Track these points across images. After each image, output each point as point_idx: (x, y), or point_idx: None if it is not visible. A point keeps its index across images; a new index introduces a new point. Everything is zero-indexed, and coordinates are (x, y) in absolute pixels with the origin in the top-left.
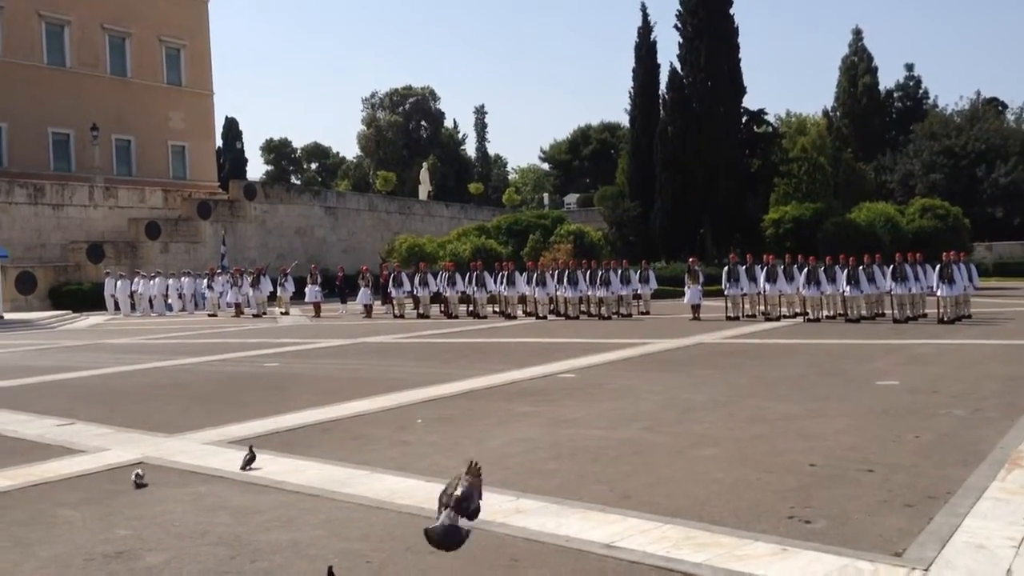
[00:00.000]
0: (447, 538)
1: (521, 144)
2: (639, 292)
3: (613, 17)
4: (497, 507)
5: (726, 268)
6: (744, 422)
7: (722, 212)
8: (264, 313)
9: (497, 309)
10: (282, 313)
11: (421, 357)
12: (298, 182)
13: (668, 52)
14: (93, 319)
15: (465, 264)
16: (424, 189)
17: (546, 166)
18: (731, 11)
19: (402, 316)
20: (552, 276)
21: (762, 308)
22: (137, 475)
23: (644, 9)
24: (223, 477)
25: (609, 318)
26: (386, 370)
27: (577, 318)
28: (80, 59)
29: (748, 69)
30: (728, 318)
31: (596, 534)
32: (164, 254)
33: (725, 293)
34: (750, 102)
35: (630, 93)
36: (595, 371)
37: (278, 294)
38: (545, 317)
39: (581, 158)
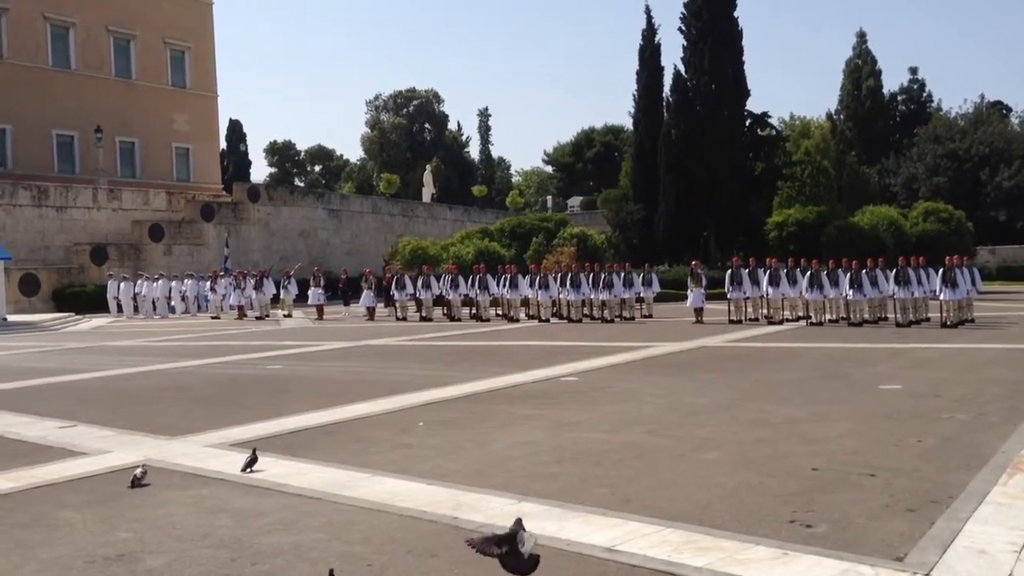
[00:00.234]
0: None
1: (525, 147)
2: (642, 295)
3: (617, 20)
4: (499, 510)
5: (729, 271)
6: (746, 426)
7: (725, 215)
8: (267, 315)
9: (500, 312)
10: (285, 315)
11: (424, 360)
12: (302, 184)
13: (672, 55)
14: (96, 321)
15: (468, 267)
16: (427, 192)
17: (549, 169)
18: (735, 14)
19: (405, 319)
20: (555, 279)
21: (765, 312)
22: (135, 477)
23: (648, 12)
24: (225, 480)
25: (612, 321)
26: (388, 373)
27: (580, 321)
28: (85, 61)
29: (752, 72)
30: (731, 321)
31: (597, 538)
32: (167, 256)
33: (728, 296)
34: (754, 105)
35: (634, 96)
36: (598, 374)
37: (281, 296)
38: (548, 320)
39: (584, 161)
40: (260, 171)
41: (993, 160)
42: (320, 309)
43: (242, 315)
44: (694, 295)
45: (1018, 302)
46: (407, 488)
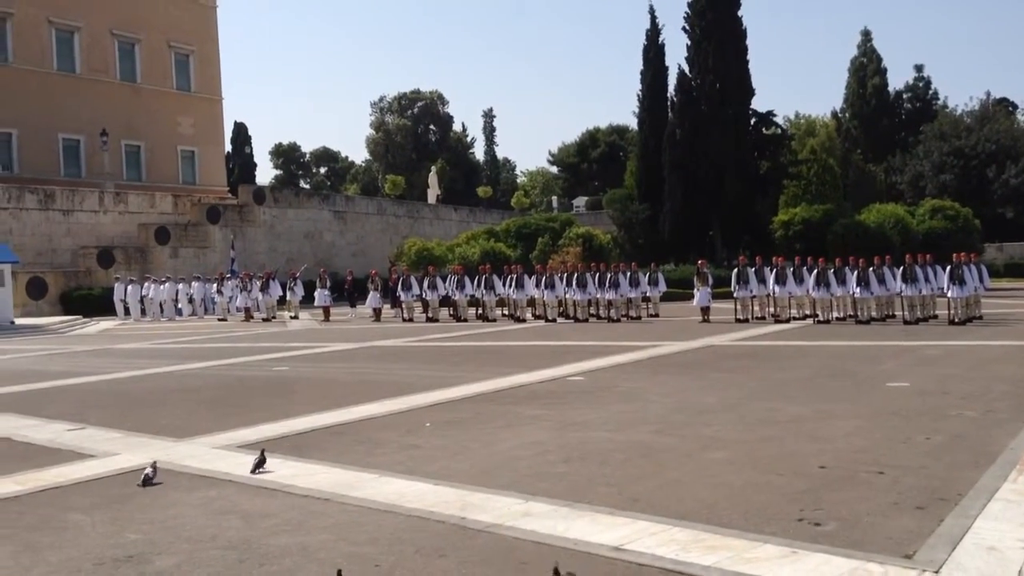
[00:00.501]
0: None
1: (530, 147)
2: (648, 295)
3: (621, 20)
4: (506, 510)
5: (735, 270)
6: (754, 424)
7: (731, 214)
8: (273, 317)
9: (506, 312)
10: (291, 317)
11: (430, 361)
12: (307, 186)
13: (676, 54)
14: (103, 324)
15: (474, 267)
16: (433, 193)
17: (555, 169)
18: (739, 13)
19: (411, 320)
20: (561, 279)
21: (772, 310)
22: (147, 475)
23: (652, 11)
24: (233, 481)
25: (618, 321)
26: (395, 374)
27: (586, 321)
28: (90, 65)
29: (756, 71)
30: (737, 320)
31: (605, 537)
32: (174, 259)
33: (734, 295)
34: (759, 104)
35: (638, 96)
36: (604, 374)
37: (287, 298)
38: (554, 320)
39: (590, 161)
40: (265, 173)
41: (1000, 157)
42: (326, 310)
43: (248, 317)
44: (700, 294)
45: None
46: (414, 489)
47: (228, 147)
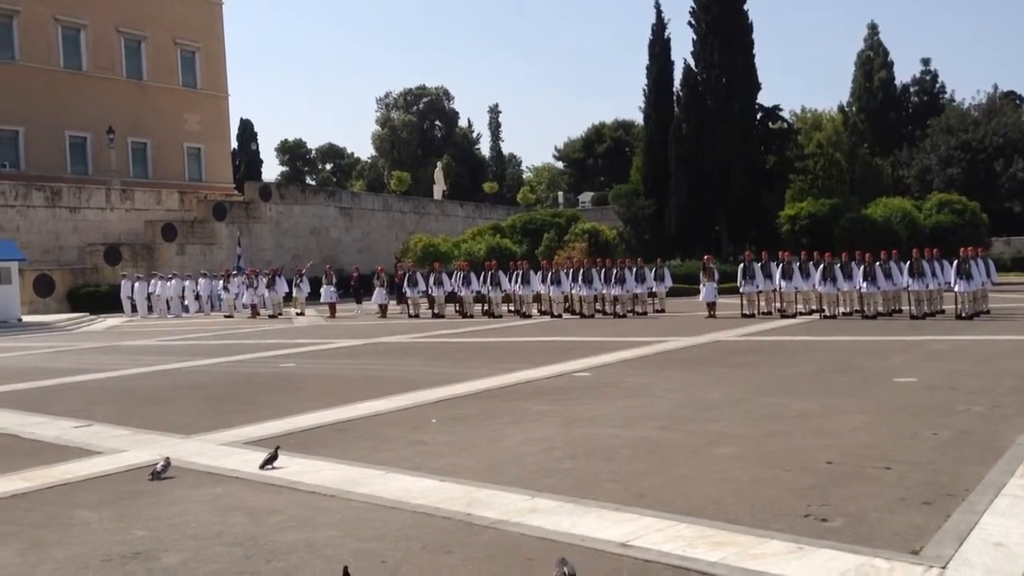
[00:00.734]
0: None
1: (535, 143)
2: (654, 290)
3: (627, 15)
4: (512, 506)
5: (741, 265)
6: (760, 420)
7: (737, 209)
8: (280, 314)
9: (512, 308)
10: (298, 314)
11: (436, 357)
12: (313, 183)
13: (682, 49)
14: (110, 321)
15: (480, 263)
16: (438, 189)
17: (560, 164)
18: (745, 7)
19: (417, 316)
20: (567, 275)
21: (778, 305)
22: (155, 470)
23: (658, 6)
24: (239, 477)
25: (624, 316)
26: (401, 370)
27: (592, 316)
28: (96, 63)
29: (762, 65)
30: (744, 315)
31: (611, 533)
32: (180, 256)
33: (741, 290)
34: (765, 98)
35: (644, 91)
36: (610, 370)
37: (293, 295)
38: (560, 316)
39: (595, 156)
40: (271, 170)
41: (1007, 151)
42: (332, 307)
43: (255, 314)
44: (706, 289)
45: None
46: (420, 485)
47: (234, 144)
